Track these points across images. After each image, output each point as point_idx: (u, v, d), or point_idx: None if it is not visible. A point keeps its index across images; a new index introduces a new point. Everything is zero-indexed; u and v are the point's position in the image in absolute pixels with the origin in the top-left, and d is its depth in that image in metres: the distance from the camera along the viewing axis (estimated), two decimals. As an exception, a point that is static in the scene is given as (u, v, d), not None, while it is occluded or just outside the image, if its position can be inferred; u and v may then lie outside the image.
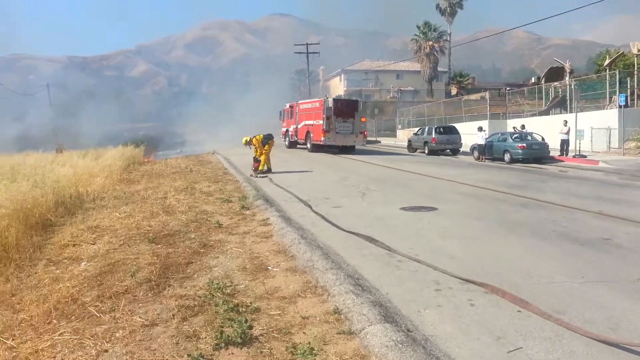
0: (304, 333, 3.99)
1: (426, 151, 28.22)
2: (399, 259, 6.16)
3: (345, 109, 26.77)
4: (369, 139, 43.09)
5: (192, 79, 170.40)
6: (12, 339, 4.06)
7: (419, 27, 60.62)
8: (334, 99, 27.88)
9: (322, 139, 26.19)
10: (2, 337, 4.10)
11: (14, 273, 5.90)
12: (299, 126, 30.01)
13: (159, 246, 6.86)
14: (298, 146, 30.57)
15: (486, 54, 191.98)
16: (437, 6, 63.11)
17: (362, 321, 4.08)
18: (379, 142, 44.27)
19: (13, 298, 5.11)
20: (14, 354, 3.80)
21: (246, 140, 16.99)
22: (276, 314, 4.39)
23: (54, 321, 4.40)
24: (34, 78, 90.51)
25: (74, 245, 7.18)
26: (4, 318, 4.55)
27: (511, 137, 22.99)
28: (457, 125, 30.76)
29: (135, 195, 11.91)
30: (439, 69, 63.94)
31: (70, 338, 3.99)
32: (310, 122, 28.10)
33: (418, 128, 33.45)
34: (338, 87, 72.99)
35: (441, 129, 28.81)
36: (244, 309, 4.44)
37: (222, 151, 27.87)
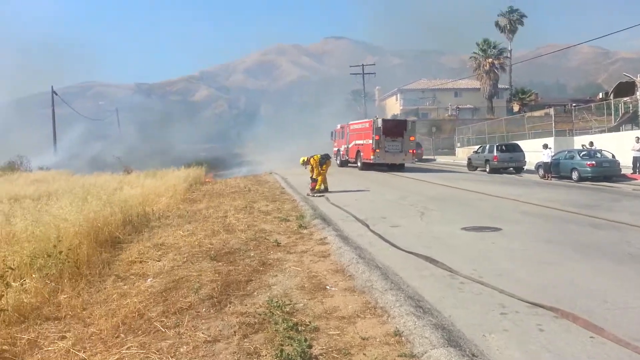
0: (364, 354, 3.91)
1: (487, 169, 27.36)
2: (462, 281, 5.95)
3: (394, 129, 27.77)
4: (425, 157, 43.18)
5: (250, 102, 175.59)
6: (83, 352, 4.22)
7: (478, 45, 59.42)
8: (382, 119, 28.78)
9: (372, 157, 27.11)
10: (74, 349, 4.27)
11: (85, 288, 6.17)
12: (350, 146, 31.15)
13: (220, 264, 7.01)
14: (349, 165, 31.41)
15: (549, 70, 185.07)
16: (497, 23, 61.69)
17: (425, 344, 3.94)
18: (434, 160, 43.57)
19: (84, 312, 5.34)
20: (85, 366, 3.96)
21: (303, 160, 17.22)
22: (335, 334, 4.34)
23: (122, 335, 4.55)
24: (103, 104, 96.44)
25: (140, 262, 7.46)
26: (75, 331, 4.75)
27: (579, 155, 21.91)
28: (520, 143, 29.69)
29: (198, 214, 12.29)
30: (500, 85, 62.26)
31: (137, 352, 4.12)
32: (361, 141, 29.15)
33: (478, 146, 32.56)
34: (394, 107, 72.73)
35: (503, 147, 27.88)
36: (303, 328, 4.42)
37: (279, 171, 28.31)
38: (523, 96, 62.66)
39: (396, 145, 27.44)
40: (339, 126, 34.82)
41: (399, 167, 28.21)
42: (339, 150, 33.65)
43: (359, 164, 29.45)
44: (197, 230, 9.80)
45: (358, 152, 29.59)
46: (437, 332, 4.14)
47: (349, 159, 31.28)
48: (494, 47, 58.84)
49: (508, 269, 6.51)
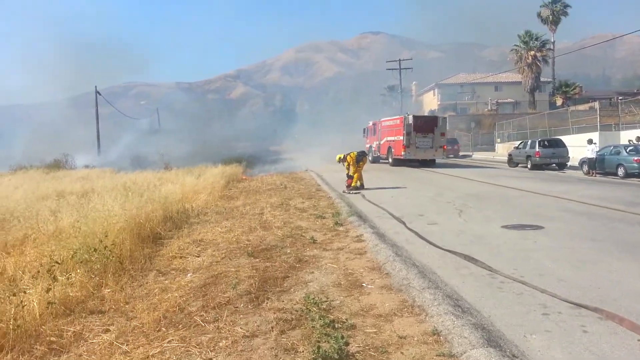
0: (401, 353, 3.88)
1: (529, 166, 26.61)
2: (502, 280, 5.81)
3: (424, 125, 28.26)
4: (462, 153, 42.66)
5: (286, 99, 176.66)
6: (126, 345, 4.35)
7: (519, 37, 57.62)
8: (413, 116, 29.10)
9: (403, 153, 27.83)
10: (117, 342, 4.41)
11: (128, 282, 6.36)
12: (382, 142, 31.95)
13: (257, 260, 7.10)
14: (381, 161, 32.12)
15: (594, 61, 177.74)
16: (539, 15, 59.68)
17: (464, 344, 3.88)
18: (471, 156, 42.76)
19: (127, 306, 5.50)
20: (128, 358, 4.07)
21: (339, 157, 17.29)
22: (372, 332, 4.32)
23: (163, 329, 4.66)
24: (145, 103, 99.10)
25: (180, 258, 7.64)
26: (119, 324, 4.90)
27: (625, 150, 20.99)
28: (564, 138, 28.69)
29: (235, 210, 12.48)
30: (542, 79, 60.30)
31: (178, 345, 4.22)
32: (392, 138, 29.81)
33: (519, 141, 31.71)
34: (432, 102, 71.69)
35: (546, 142, 27.02)
36: (339, 325, 4.43)
37: (315, 168, 28.40)
38: (567, 89, 60.41)
39: (427, 142, 27.95)
40: (370, 123, 35.44)
41: (429, 163, 28.75)
42: (370, 146, 34.35)
43: (390, 160, 30.10)
44: (234, 226, 9.95)
45: (389, 148, 30.13)
46: (477, 332, 4.06)
47: (381, 155, 31.94)
48: (536, 39, 56.86)
49: (550, 269, 6.32)
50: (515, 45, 58.52)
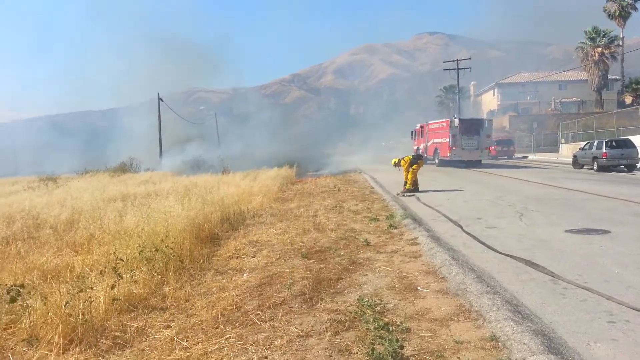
0: (457, 358, 3.80)
1: (595, 167, 25.22)
2: (564, 286, 5.55)
3: (470, 127, 29.94)
4: (519, 154, 42.11)
5: (340, 102, 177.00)
6: (186, 341, 4.51)
7: (586, 33, 54.78)
8: (460, 119, 30.83)
9: (449, 154, 29.63)
10: (177, 338, 4.58)
11: (188, 281, 6.58)
12: (429, 144, 33.75)
13: (311, 261, 7.16)
14: (428, 162, 33.02)
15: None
16: (605, 10, 56.46)
17: (523, 350, 3.74)
18: (526, 157, 41.39)
19: (186, 303, 5.70)
20: (188, 354, 4.22)
21: (395, 161, 17.21)
22: (427, 336, 4.25)
23: (221, 326, 4.80)
24: (204, 108, 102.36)
25: (237, 258, 7.83)
26: (179, 321, 5.08)
27: None
28: (633, 138, 26.99)
29: (289, 212, 12.64)
30: (610, 76, 57.00)
31: (235, 343, 4.34)
32: (439, 140, 31.67)
33: (585, 142, 30.17)
34: (491, 102, 69.56)
35: (613, 142, 25.48)
36: (394, 328, 4.39)
37: (368, 170, 28.28)
38: (637, 86, 56.85)
39: (473, 143, 29.51)
40: (418, 126, 37.08)
41: (475, 164, 30.04)
42: (418, 148, 36.06)
43: (436, 160, 32.15)
44: (289, 228, 10.08)
45: (436, 149, 32.03)
46: (537, 339, 3.91)
47: (427, 156, 32.98)
48: (604, 35, 53.85)
49: (617, 275, 5.96)
50: (580, 42, 55.68)
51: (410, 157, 16.75)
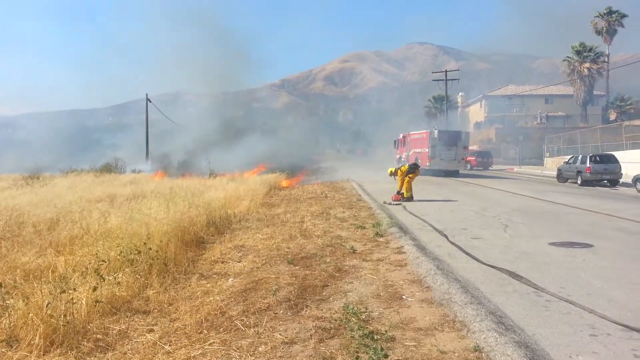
0: (441, 368, 3.81)
1: (579, 181, 25.59)
2: (548, 299, 5.61)
3: (449, 139, 31.15)
4: (498, 167, 43.28)
5: (329, 109, 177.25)
6: (169, 345, 4.46)
7: (573, 48, 55.73)
8: (439, 131, 31.93)
9: (428, 164, 30.59)
10: (160, 342, 4.53)
11: (171, 284, 6.51)
12: (410, 153, 34.66)
13: (297, 267, 7.14)
14: None
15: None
16: (594, 25, 57.54)
17: (507, 363, 3.77)
18: (504, 170, 42.38)
19: (170, 307, 5.64)
20: (171, 358, 4.18)
21: (391, 171, 17.34)
22: (412, 345, 4.26)
23: (205, 331, 4.76)
24: (193, 111, 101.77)
25: (222, 262, 7.78)
26: (162, 325, 5.03)
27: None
28: (617, 154, 27.48)
29: (276, 218, 12.61)
30: (595, 92, 58.03)
31: (219, 348, 4.30)
32: (419, 149, 32.85)
33: (570, 156, 30.64)
34: (478, 114, 70.29)
35: (597, 157, 25.90)
36: (378, 337, 4.39)
37: (355, 178, 28.34)
38: (621, 104, 57.99)
39: (450, 154, 30.86)
40: (401, 136, 38.26)
41: (453, 174, 31.63)
42: (400, 157, 37.22)
43: None
44: (275, 234, 10.05)
45: (416, 159, 32.41)
46: (520, 351, 3.94)
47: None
48: (590, 50, 54.87)
49: (600, 289, 6.04)
50: (567, 56, 56.70)
51: (406, 167, 16.85)
